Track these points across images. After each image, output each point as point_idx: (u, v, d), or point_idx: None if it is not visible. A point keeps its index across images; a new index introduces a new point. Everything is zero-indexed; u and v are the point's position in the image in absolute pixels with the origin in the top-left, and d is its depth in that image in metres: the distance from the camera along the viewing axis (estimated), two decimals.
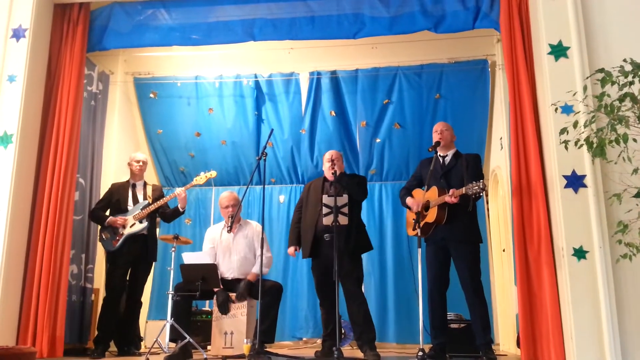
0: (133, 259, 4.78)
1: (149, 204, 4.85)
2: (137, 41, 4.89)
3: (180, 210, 4.99)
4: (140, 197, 4.93)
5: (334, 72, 6.29)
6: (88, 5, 4.85)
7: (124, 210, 4.83)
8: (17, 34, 4.50)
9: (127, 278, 4.83)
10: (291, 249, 4.66)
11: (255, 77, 6.39)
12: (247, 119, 6.47)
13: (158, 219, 5.14)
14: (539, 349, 3.64)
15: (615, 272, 3.50)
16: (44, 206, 4.39)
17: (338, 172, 4.40)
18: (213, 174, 5.02)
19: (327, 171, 4.52)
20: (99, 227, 4.88)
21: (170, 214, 5.06)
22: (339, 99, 6.34)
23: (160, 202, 4.87)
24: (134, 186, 4.97)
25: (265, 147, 4.34)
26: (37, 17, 4.57)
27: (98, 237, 4.85)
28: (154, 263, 5.11)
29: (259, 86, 6.42)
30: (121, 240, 4.71)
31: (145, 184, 5.03)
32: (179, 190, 4.92)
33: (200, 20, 4.77)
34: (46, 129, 4.58)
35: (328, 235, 4.15)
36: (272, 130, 4.69)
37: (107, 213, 4.86)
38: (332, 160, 4.43)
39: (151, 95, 6.45)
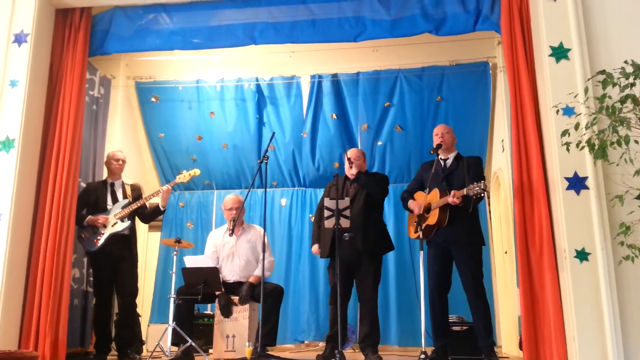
0: (115, 259, 4.68)
1: (129, 203, 4.78)
2: (139, 45, 4.88)
3: (161, 209, 4.92)
4: (119, 195, 4.85)
5: (335, 75, 6.30)
6: (89, 10, 4.86)
7: (103, 210, 4.75)
8: (19, 39, 4.51)
9: (114, 278, 4.75)
10: (314, 247, 4.64)
11: (257, 80, 6.41)
12: (249, 122, 6.48)
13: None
14: (541, 351, 3.62)
15: (617, 274, 3.49)
16: (46, 210, 4.39)
17: (357, 171, 4.39)
18: (196, 172, 4.96)
19: (347, 170, 4.51)
20: (77, 227, 4.71)
21: (149, 214, 5.00)
22: (340, 102, 6.35)
23: (144, 200, 4.79)
24: (112, 185, 4.89)
25: (266, 151, 4.34)
26: (38, 22, 4.58)
27: (77, 237, 4.69)
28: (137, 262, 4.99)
29: (260, 90, 6.43)
30: (102, 239, 4.63)
31: (123, 183, 4.94)
32: (164, 187, 4.85)
33: (202, 24, 4.77)
34: (48, 134, 4.59)
35: (347, 234, 4.10)
36: (274, 133, 4.70)
37: (85, 212, 4.76)
38: (350, 159, 4.43)
39: (153, 99, 6.47)
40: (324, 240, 4.50)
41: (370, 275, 4.34)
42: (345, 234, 4.12)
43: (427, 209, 4.10)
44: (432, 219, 4.04)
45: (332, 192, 4.54)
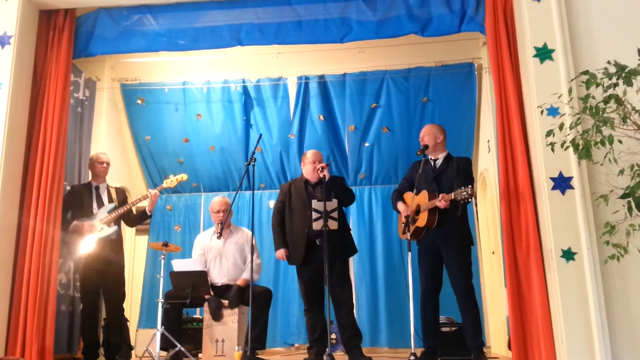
0: (103, 264, 4.63)
1: (116, 207, 4.74)
2: (124, 47, 4.84)
3: (148, 213, 4.87)
4: (105, 199, 4.80)
5: (321, 77, 6.30)
6: (74, 11, 4.80)
7: (88, 214, 4.69)
8: (2, 41, 4.46)
9: (101, 283, 4.70)
10: (281, 252, 4.45)
11: (243, 82, 6.38)
12: (236, 124, 6.46)
13: None
14: (529, 351, 3.64)
15: (603, 273, 3.52)
16: (31, 214, 4.33)
17: (324, 175, 4.22)
18: (184, 177, 4.94)
19: (312, 173, 4.43)
20: (63, 231, 4.61)
21: (136, 218, 4.97)
22: (327, 104, 6.35)
23: (131, 204, 4.75)
24: (97, 188, 4.83)
25: (254, 153, 4.33)
26: (22, 24, 4.52)
27: (62, 241, 4.59)
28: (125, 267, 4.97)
29: (247, 91, 6.41)
30: (89, 244, 4.57)
31: (108, 186, 4.89)
32: (151, 192, 4.81)
33: (187, 26, 4.73)
34: (32, 136, 4.53)
35: (320, 239, 4.09)
36: (261, 135, 4.67)
37: (70, 216, 4.70)
38: (317, 162, 4.38)
39: (138, 101, 6.42)
40: (297, 246, 4.38)
41: (343, 279, 4.32)
42: (318, 239, 4.11)
43: (417, 211, 4.11)
44: (422, 220, 4.05)
45: (294, 196, 4.45)
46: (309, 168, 4.46)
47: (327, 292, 3.94)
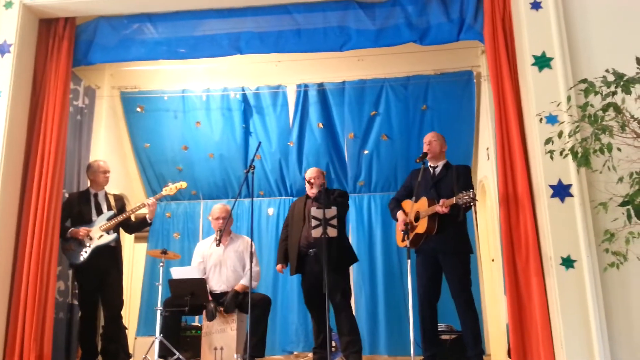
0: (102, 271, 4.63)
1: (115, 215, 4.74)
2: (123, 55, 4.85)
3: (148, 221, 4.88)
4: (104, 207, 4.81)
5: (320, 85, 6.31)
6: (73, 20, 4.82)
7: (87, 221, 4.69)
8: (2, 49, 4.47)
9: (100, 291, 4.70)
10: (279, 267, 4.72)
11: (243, 90, 6.39)
12: (235, 132, 6.46)
13: None
14: (529, 358, 3.63)
15: (603, 281, 3.51)
16: (30, 222, 4.33)
17: (317, 190, 4.53)
18: (183, 184, 4.96)
19: (308, 190, 4.65)
20: (61, 239, 4.62)
21: (136, 226, 4.97)
22: (326, 111, 6.35)
23: (130, 212, 4.75)
24: (95, 195, 4.83)
25: (253, 160, 4.33)
26: (22, 32, 4.54)
27: (62, 249, 4.62)
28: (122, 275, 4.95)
29: (247, 99, 6.42)
30: (88, 252, 4.57)
31: (106, 194, 4.89)
32: (149, 200, 4.82)
33: (187, 34, 4.75)
34: (32, 145, 4.53)
35: (312, 250, 4.19)
36: (260, 143, 4.69)
37: (69, 224, 4.70)
38: (309, 181, 4.60)
39: (138, 109, 6.43)
40: (291, 258, 4.58)
41: (339, 287, 4.38)
42: (310, 250, 4.16)
43: (416, 218, 4.11)
44: (421, 227, 4.05)
45: (295, 212, 4.67)
46: (306, 186, 4.68)
47: (318, 301, 4.04)
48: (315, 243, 4.16)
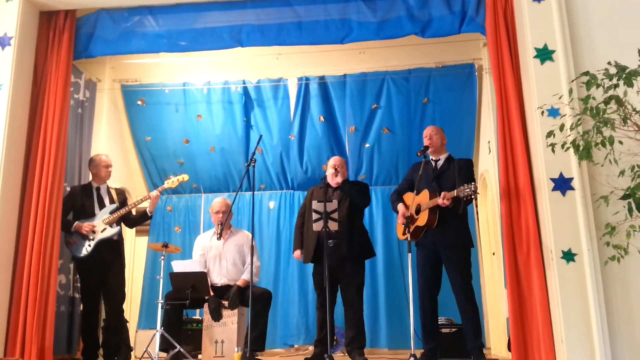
0: (105, 265, 4.65)
1: (117, 208, 4.75)
2: (124, 48, 4.84)
3: (149, 214, 4.89)
4: (106, 200, 4.81)
5: (322, 78, 6.29)
6: (74, 12, 4.81)
7: (90, 215, 4.71)
8: (3, 42, 4.46)
9: (102, 284, 4.71)
10: (297, 253, 4.67)
11: (244, 83, 6.38)
12: (236, 125, 6.45)
13: None
14: (529, 352, 3.63)
15: (603, 274, 3.51)
16: (31, 215, 4.33)
17: (341, 179, 4.47)
18: (185, 177, 4.97)
19: (330, 177, 4.54)
20: (64, 232, 4.66)
21: (136, 219, 4.97)
22: (328, 104, 6.34)
23: (132, 205, 4.76)
24: (97, 189, 4.84)
25: (254, 153, 4.34)
26: (22, 25, 4.53)
27: (65, 242, 4.65)
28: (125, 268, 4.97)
29: (248, 92, 6.40)
30: (92, 245, 4.58)
31: (108, 187, 4.90)
32: (153, 193, 4.82)
33: (188, 27, 4.73)
34: (33, 138, 4.53)
35: (332, 241, 4.12)
36: (261, 136, 4.67)
37: (71, 217, 4.71)
38: (336, 168, 4.50)
39: (139, 102, 6.42)
40: (307, 246, 4.52)
41: (355, 280, 4.39)
42: (330, 241, 4.14)
43: (417, 210, 4.11)
44: (422, 220, 4.05)
45: (316, 197, 4.53)
46: (329, 172, 4.57)
47: (328, 293, 3.98)
48: (337, 234, 4.10)
